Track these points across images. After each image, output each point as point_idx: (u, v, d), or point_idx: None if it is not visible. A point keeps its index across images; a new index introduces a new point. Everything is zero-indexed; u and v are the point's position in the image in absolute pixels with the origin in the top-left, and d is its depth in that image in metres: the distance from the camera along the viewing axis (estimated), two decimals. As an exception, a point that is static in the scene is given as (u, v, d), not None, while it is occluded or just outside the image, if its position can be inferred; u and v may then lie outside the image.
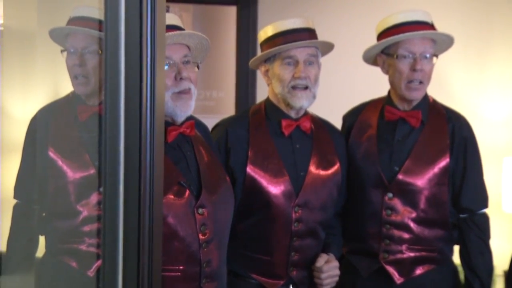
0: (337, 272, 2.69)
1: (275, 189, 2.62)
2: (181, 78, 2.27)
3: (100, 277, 1.48)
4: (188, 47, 2.36)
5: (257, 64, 2.76)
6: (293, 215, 2.64)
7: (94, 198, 2.11)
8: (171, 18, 2.35)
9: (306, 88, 2.64)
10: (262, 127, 2.70)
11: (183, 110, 2.29)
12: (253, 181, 2.62)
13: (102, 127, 1.43)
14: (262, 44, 2.72)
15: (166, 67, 2.27)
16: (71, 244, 2.17)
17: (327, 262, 2.67)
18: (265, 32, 2.70)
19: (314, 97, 2.66)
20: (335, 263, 2.69)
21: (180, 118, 2.32)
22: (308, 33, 2.66)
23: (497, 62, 5.01)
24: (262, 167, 2.63)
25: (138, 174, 1.44)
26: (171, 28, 2.30)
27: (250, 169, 2.62)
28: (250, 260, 2.67)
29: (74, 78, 2.16)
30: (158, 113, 1.46)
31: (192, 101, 2.31)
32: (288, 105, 2.67)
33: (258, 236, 2.66)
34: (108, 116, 1.41)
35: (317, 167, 2.70)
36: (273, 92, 2.72)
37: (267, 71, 2.71)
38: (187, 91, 2.29)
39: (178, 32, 2.30)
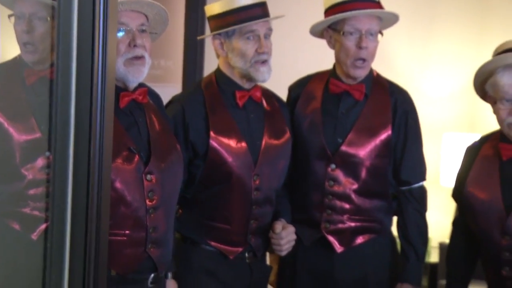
0: (294, 236, 2.77)
1: (236, 159, 2.65)
2: (135, 45, 2.28)
3: (47, 240, 1.49)
4: (146, 17, 2.36)
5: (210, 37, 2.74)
6: (253, 184, 2.67)
7: (39, 162, 2.09)
8: None
9: (265, 61, 2.65)
10: (217, 100, 2.70)
11: (135, 76, 2.31)
12: (216, 153, 2.64)
13: (53, 91, 1.43)
14: (215, 17, 2.68)
15: (122, 34, 2.28)
16: (15, 208, 2.15)
17: (284, 228, 2.73)
18: (213, 8, 2.67)
19: (271, 69, 2.68)
20: (292, 228, 2.76)
21: (132, 84, 2.33)
22: (263, 8, 2.66)
23: (441, 39, 5.10)
24: (223, 139, 2.65)
25: (88, 138, 1.45)
26: None
27: (213, 141, 2.63)
28: (210, 228, 2.70)
29: (22, 45, 2.14)
30: (109, 78, 1.47)
31: (145, 68, 2.32)
32: (250, 79, 2.67)
33: (218, 205, 2.69)
34: (59, 80, 1.42)
35: (271, 136, 2.74)
36: (226, 65, 2.71)
37: (221, 44, 2.69)
38: (140, 58, 2.30)
39: None
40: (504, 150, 2.61)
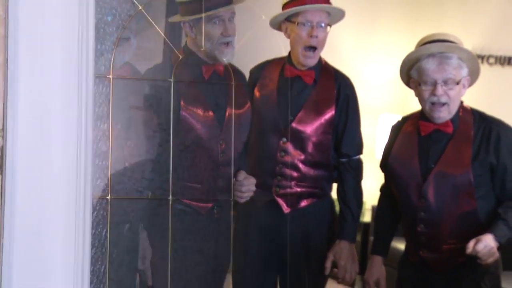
0: (254, 188, 2.70)
1: (204, 126, 2.63)
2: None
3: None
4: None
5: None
6: (219, 148, 2.66)
7: None
8: None
9: (229, 43, 2.62)
10: (187, 74, 2.67)
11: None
12: (188, 123, 2.61)
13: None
14: (184, 3, 2.61)
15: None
16: None
17: (246, 177, 2.70)
18: None
19: (234, 48, 2.65)
20: (253, 180, 2.70)
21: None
22: None
23: (380, 35, 5.15)
24: (193, 109, 2.63)
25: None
26: None
27: (184, 112, 2.60)
28: (182, 188, 2.66)
29: None
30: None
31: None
32: (214, 59, 2.63)
33: (191, 167, 2.66)
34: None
35: (233, 106, 2.71)
36: (194, 43, 2.65)
37: (191, 26, 2.64)
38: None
39: None
40: (423, 127, 2.68)
